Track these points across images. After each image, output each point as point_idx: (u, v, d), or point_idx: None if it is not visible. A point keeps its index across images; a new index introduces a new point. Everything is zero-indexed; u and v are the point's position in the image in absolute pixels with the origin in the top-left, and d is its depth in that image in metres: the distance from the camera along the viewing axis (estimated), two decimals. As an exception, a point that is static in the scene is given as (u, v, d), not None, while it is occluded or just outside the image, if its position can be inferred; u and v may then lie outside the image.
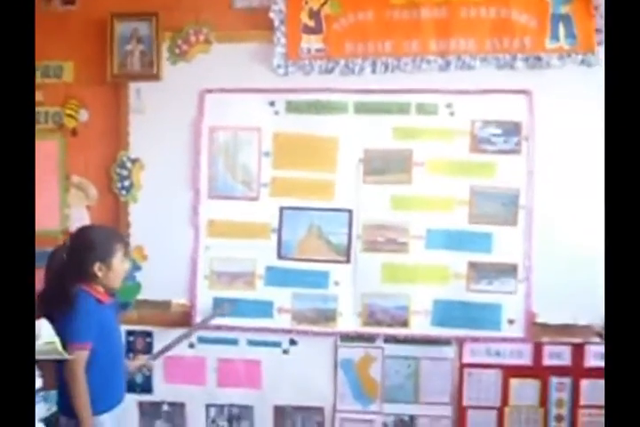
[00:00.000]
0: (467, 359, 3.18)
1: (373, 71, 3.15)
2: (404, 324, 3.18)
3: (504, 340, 3.13)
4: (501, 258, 3.12)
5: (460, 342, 3.17)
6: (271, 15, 3.18)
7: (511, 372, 3.16)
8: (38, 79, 3.44)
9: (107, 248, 2.63)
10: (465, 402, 3.20)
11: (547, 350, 3.12)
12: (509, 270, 3.11)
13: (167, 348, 3.11)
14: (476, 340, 3.15)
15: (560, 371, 3.13)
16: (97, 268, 2.59)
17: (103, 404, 2.58)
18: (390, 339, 3.22)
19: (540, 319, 3.10)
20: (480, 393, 3.18)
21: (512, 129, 3.10)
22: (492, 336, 3.13)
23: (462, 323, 3.14)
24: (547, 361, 3.13)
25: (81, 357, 2.49)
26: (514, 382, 3.16)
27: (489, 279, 3.12)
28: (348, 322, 3.22)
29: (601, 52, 2.99)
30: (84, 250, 2.62)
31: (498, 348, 3.15)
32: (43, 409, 2.75)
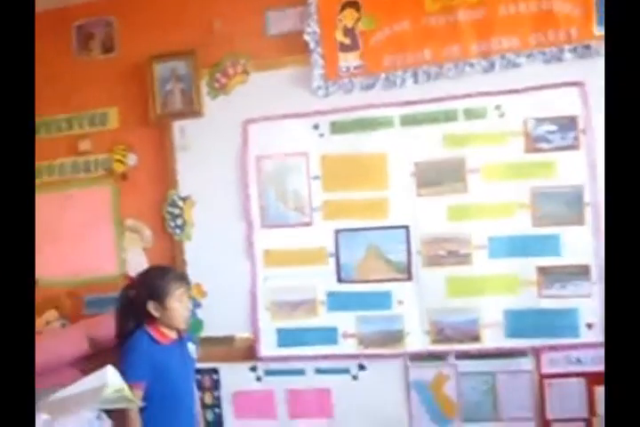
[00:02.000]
0: (546, 370, 3.01)
1: (415, 82, 3.11)
2: (476, 338, 3.05)
3: (584, 346, 2.96)
4: (572, 260, 2.97)
5: (537, 352, 3.01)
6: (306, 38, 3.19)
7: (595, 379, 2.96)
8: (85, 128, 3.55)
9: (161, 287, 2.65)
10: (549, 415, 3.02)
11: (632, 353, 2.94)
12: (582, 272, 2.96)
13: None
14: (553, 348, 2.99)
15: (648, 374, 2.93)
16: (152, 307, 2.62)
17: None
18: (462, 355, 3.08)
19: (620, 321, 2.92)
20: (564, 405, 2.99)
21: (568, 124, 2.98)
22: (570, 343, 2.97)
23: (537, 332, 2.99)
24: (633, 366, 2.94)
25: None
26: (599, 389, 2.96)
27: (561, 283, 2.98)
28: (417, 341, 3.11)
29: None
30: (142, 290, 2.67)
31: (578, 355, 2.98)
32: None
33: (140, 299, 2.65)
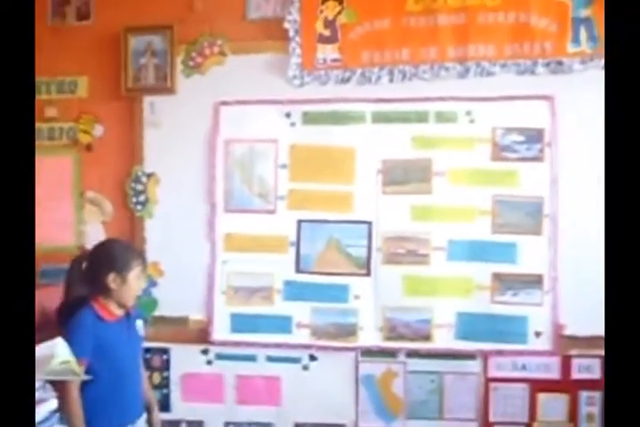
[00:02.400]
0: (492, 374, 3.09)
1: (391, 80, 3.11)
2: (427, 338, 3.11)
3: (531, 353, 3.05)
4: (526, 269, 3.05)
5: (485, 355, 3.09)
6: (286, 25, 3.16)
7: (539, 386, 3.07)
8: (53, 95, 3.46)
9: (124, 261, 2.58)
10: (491, 418, 3.11)
11: (575, 363, 3.04)
12: (535, 281, 3.04)
13: None
14: (501, 353, 3.07)
15: (590, 385, 3.03)
16: (112, 279, 2.55)
17: (106, 424, 2.52)
18: (413, 353, 3.14)
19: (567, 331, 3.02)
20: (507, 409, 3.08)
21: (534, 136, 3.04)
22: (518, 349, 3.05)
23: (487, 336, 3.06)
24: (576, 375, 3.04)
25: None
26: (542, 396, 3.07)
27: (514, 291, 3.05)
28: (369, 337, 3.15)
29: (624, 55, 2.93)
30: (102, 260, 2.60)
31: (524, 361, 3.06)
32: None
33: (97, 269, 2.58)
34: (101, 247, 2.70)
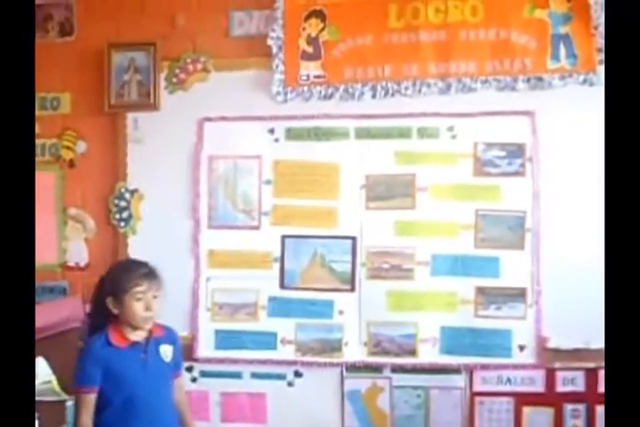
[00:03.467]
0: (477, 388, 3.10)
1: (373, 96, 3.14)
2: (412, 353, 3.11)
3: (515, 367, 3.05)
4: (509, 282, 3.06)
5: (470, 370, 3.09)
6: (269, 42, 3.19)
7: (524, 400, 3.07)
8: (35, 111, 3.41)
9: (119, 282, 2.50)
10: (477, 432, 3.13)
11: (559, 376, 3.05)
12: (518, 295, 3.05)
13: None
14: (486, 367, 3.07)
15: (574, 397, 3.04)
16: (111, 303, 2.49)
17: None
18: (398, 368, 3.14)
19: (551, 344, 3.03)
20: (492, 423, 3.08)
21: (515, 151, 3.07)
22: (502, 363, 3.06)
23: (471, 350, 3.07)
24: (560, 387, 3.05)
25: (86, 401, 2.40)
26: (527, 410, 3.07)
27: (497, 305, 3.06)
28: (354, 352, 3.15)
29: (602, 71, 2.98)
30: (103, 284, 2.56)
31: (509, 375, 3.07)
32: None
33: (99, 294, 2.54)
34: (110, 269, 2.64)
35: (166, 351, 2.63)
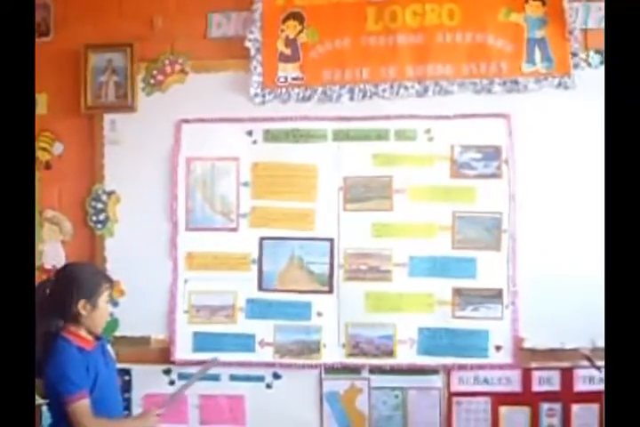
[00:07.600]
0: (455, 388, 3.11)
1: (351, 98, 3.15)
2: (390, 354, 3.12)
3: (492, 367, 3.07)
4: (486, 283, 3.09)
5: (448, 370, 3.11)
6: (247, 44, 3.19)
7: (500, 399, 3.10)
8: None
9: (93, 286, 2.49)
10: (455, 432, 3.14)
11: (535, 375, 3.07)
12: (495, 296, 3.08)
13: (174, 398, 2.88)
14: (463, 368, 3.09)
15: (550, 396, 3.07)
16: (81, 306, 2.45)
17: None
18: (376, 369, 3.14)
19: (527, 344, 3.06)
20: (469, 422, 3.10)
21: (492, 153, 3.10)
22: (479, 363, 3.07)
23: (449, 351, 3.09)
24: (536, 387, 3.08)
25: (83, 406, 2.36)
26: (503, 409, 3.09)
27: (474, 305, 3.08)
28: (333, 353, 3.15)
29: (576, 74, 3.04)
30: (69, 287, 2.47)
31: (486, 375, 3.09)
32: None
33: (65, 297, 2.45)
34: (66, 272, 2.58)
35: (110, 349, 2.75)
